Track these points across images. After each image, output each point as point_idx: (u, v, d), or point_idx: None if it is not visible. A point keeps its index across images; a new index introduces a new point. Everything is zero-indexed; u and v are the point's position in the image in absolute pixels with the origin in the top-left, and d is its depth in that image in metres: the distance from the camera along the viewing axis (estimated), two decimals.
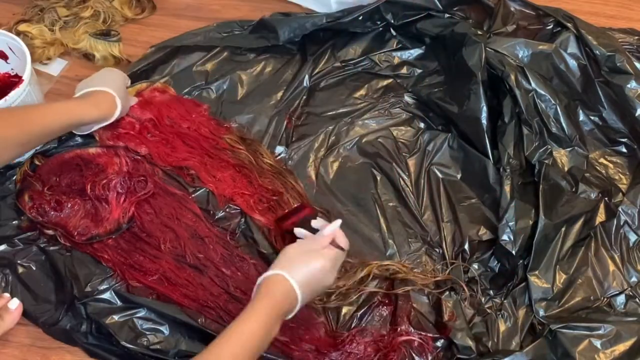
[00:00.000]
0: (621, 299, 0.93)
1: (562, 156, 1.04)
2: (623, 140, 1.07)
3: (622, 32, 1.21)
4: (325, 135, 1.09)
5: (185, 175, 1.02)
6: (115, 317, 0.87)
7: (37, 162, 1.01)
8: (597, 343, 0.85)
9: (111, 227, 0.95)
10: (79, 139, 1.04)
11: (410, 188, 1.04)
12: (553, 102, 1.05)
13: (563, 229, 0.95)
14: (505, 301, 0.92)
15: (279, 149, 1.08)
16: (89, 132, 1.02)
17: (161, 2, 1.28)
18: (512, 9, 1.17)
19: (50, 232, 0.94)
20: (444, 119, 1.11)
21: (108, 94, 0.98)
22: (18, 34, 1.14)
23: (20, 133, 0.88)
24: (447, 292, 0.92)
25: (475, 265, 0.95)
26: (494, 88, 1.07)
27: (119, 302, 0.90)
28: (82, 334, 0.87)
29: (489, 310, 0.91)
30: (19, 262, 0.93)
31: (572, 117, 1.07)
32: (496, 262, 0.95)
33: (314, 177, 1.05)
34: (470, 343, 0.87)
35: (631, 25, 1.24)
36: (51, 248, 0.94)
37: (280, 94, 1.14)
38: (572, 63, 1.08)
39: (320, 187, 1.04)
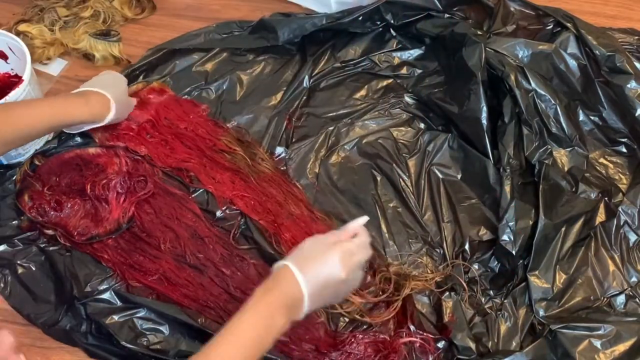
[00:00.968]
0: (621, 299, 0.93)
1: (562, 156, 1.04)
2: (623, 140, 1.07)
3: (622, 32, 1.21)
4: (326, 136, 1.09)
5: (185, 176, 1.02)
6: (115, 317, 0.87)
7: (37, 162, 1.01)
8: (597, 343, 0.85)
9: (111, 227, 0.95)
10: (78, 139, 1.04)
11: (411, 188, 1.04)
12: (553, 102, 1.05)
13: (563, 229, 0.95)
14: (505, 301, 0.92)
15: (279, 149, 1.07)
16: (78, 131, 1.01)
17: (161, 2, 1.28)
18: (512, 9, 1.16)
19: (50, 232, 0.94)
20: (444, 120, 1.11)
21: (102, 96, 0.97)
22: (18, 34, 1.14)
23: (6, 130, 0.86)
24: (448, 293, 0.92)
25: (476, 266, 0.95)
26: (494, 88, 1.07)
27: (118, 302, 0.90)
28: (82, 334, 0.87)
29: (489, 311, 0.91)
30: (18, 262, 0.93)
31: (572, 117, 1.07)
32: (496, 262, 0.95)
33: (314, 178, 1.05)
34: (471, 344, 0.87)
35: (631, 25, 1.24)
36: (51, 248, 0.94)
37: (280, 94, 1.14)
38: (572, 63, 1.08)
39: (320, 188, 1.04)
